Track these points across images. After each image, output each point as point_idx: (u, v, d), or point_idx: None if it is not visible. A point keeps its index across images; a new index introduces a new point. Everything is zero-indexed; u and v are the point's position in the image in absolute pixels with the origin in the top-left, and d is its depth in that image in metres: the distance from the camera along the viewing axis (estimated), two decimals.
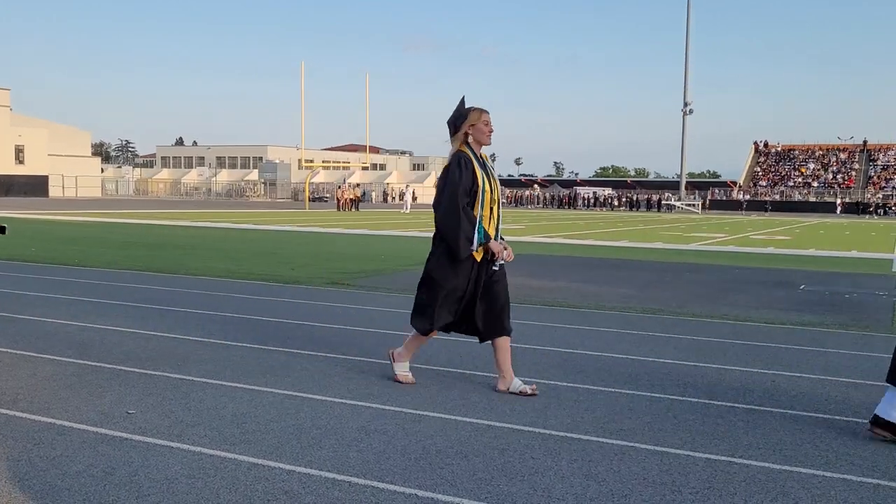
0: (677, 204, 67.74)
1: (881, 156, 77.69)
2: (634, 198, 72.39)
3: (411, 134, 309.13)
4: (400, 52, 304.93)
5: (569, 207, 70.32)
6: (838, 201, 66.46)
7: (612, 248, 18.36)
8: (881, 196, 68.73)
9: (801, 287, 10.63)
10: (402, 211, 45.27)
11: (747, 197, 70.54)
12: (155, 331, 6.36)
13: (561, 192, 77.42)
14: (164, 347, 5.76)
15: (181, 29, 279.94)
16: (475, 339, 4.95)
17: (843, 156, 79.54)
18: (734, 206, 68.58)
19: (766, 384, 5.10)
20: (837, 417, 4.37)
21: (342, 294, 8.90)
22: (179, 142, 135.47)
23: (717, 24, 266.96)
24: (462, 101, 4.78)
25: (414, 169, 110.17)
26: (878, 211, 63.35)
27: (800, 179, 76.93)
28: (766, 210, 64.82)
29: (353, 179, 75.84)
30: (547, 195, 76.53)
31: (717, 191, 77.47)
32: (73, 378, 4.81)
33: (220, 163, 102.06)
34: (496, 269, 4.77)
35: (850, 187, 73.43)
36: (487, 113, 4.74)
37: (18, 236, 17.58)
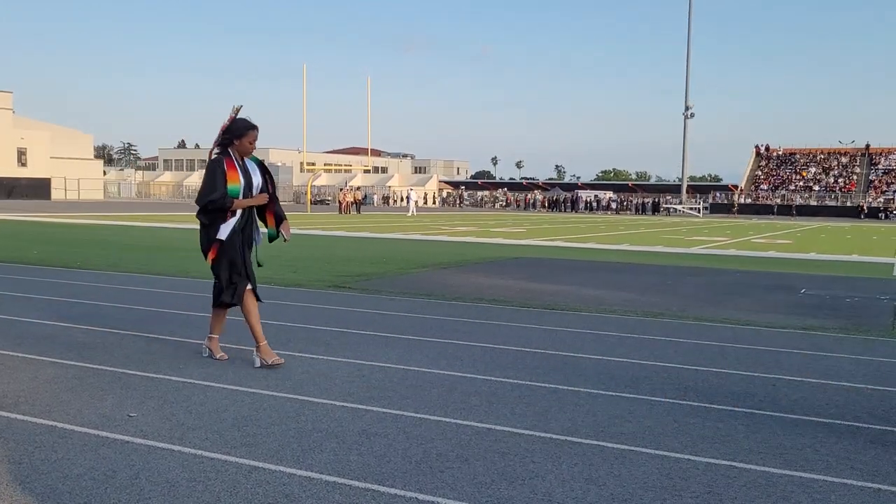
0: (679, 207, 67.70)
1: (882, 160, 77.64)
2: (641, 201, 71.88)
3: (413, 136, 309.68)
4: (401, 54, 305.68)
5: (571, 210, 70.21)
6: (864, 204, 66.10)
7: (613, 252, 18.36)
8: (882, 200, 68.58)
9: (802, 291, 10.63)
10: (406, 214, 45.35)
11: (777, 201, 70.46)
12: (156, 333, 6.37)
13: (563, 195, 77.34)
14: (166, 350, 5.77)
15: (183, 31, 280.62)
16: (475, 343, 4.94)
17: (844, 160, 79.53)
18: (765, 210, 68.25)
19: (766, 388, 5.10)
20: (838, 422, 4.37)
21: (344, 297, 8.91)
22: (182, 144, 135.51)
23: (718, 27, 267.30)
24: None
25: (415, 172, 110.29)
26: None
27: (801, 183, 76.90)
28: (793, 214, 64.77)
29: (355, 182, 75.92)
30: (548, 198, 76.44)
31: (718, 194, 77.40)
32: (74, 381, 4.82)
33: None
34: None
35: (852, 191, 73.39)
36: None
37: (21, 239, 17.61)
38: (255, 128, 5.40)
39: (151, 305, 7.87)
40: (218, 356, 5.53)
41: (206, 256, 5.38)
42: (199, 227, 5.44)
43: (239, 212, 5.35)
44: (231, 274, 5.34)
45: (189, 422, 4.04)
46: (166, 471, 3.34)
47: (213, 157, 5.35)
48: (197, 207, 5.32)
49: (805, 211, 67.39)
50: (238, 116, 5.37)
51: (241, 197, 5.32)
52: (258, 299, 5.48)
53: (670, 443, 3.91)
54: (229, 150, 5.35)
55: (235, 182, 5.30)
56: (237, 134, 5.32)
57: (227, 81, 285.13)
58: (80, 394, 4.53)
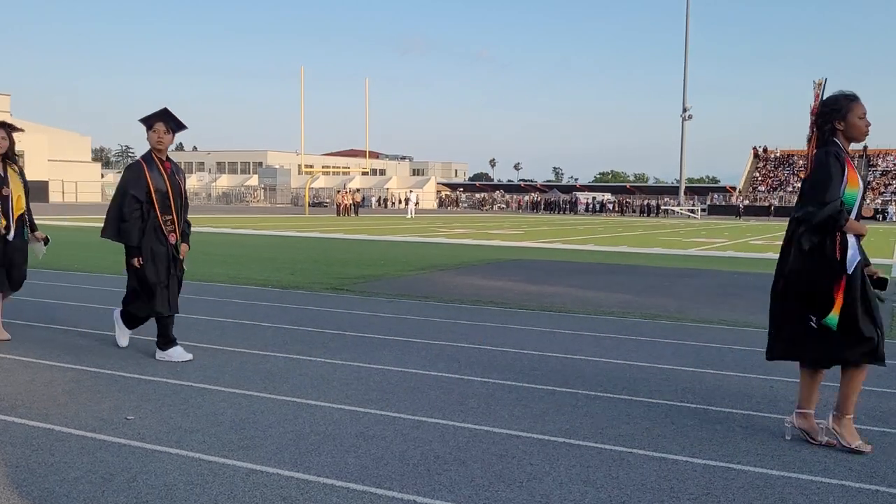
0: (677, 209, 67.78)
1: (881, 161, 77.77)
2: (646, 203, 71.47)
3: (411, 138, 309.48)
4: (399, 57, 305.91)
5: (570, 212, 70.17)
6: (893, 207, 65.57)
7: (611, 254, 18.36)
8: (880, 201, 68.64)
9: None
10: (406, 216, 45.42)
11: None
12: (153, 336, 6.35)
13: (561, 197, 77.35)
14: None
15: (181, 34, 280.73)
16: (479, 345, 4.94)
17: None
18: None
19: (764, 390, 5.10)
20: None
21: (342, 299, 8.90)
22: (179, 147, 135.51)
23: (716, 28, 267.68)
24: None
25: (414, 174, 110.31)
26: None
27: (799, 184, 76.97)
28: None
29: (353, 185, 75.94)
30: (546, 200, 76.41)
31: (716, 196, 77.48)
32: (71, 384, 4.81)
33: (220, 168, 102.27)
34: None
35: None
36: None
37: None
38: (857, 99, 3.90)
39: None
40: (823, 440, 3.95)
41: (829, 301, 3.75)
42: (804, 251, 3.82)
43: (853, 238, 3.76)
44: (869, 321, 3.77)
45: (186, 424, 4.04)
46: (164, 474, 3.34)
47: (822, 152, 3.85)
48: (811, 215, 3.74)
49: None
50: (825, 94, 4.00)
51: (854, 213, 3.80)
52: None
53: (668, 444, 3.91)
54: (836, 140, 3.87)
55: (854, 187, 3.78)
56: (842, 112, 3.85)
57: (225, 83, 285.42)
58: (77, 397, 4.53)
